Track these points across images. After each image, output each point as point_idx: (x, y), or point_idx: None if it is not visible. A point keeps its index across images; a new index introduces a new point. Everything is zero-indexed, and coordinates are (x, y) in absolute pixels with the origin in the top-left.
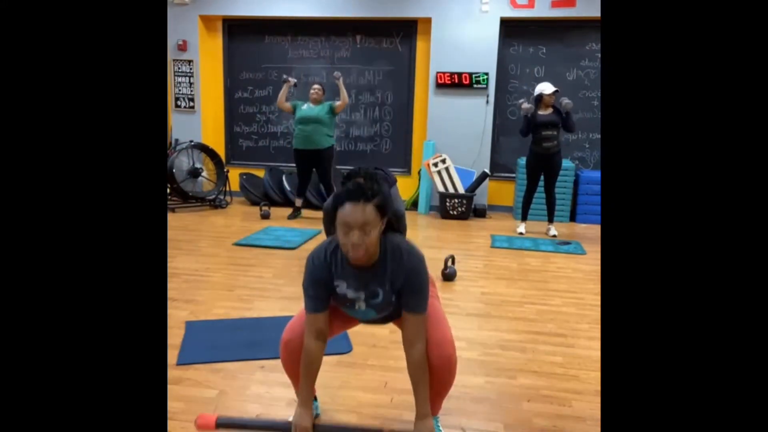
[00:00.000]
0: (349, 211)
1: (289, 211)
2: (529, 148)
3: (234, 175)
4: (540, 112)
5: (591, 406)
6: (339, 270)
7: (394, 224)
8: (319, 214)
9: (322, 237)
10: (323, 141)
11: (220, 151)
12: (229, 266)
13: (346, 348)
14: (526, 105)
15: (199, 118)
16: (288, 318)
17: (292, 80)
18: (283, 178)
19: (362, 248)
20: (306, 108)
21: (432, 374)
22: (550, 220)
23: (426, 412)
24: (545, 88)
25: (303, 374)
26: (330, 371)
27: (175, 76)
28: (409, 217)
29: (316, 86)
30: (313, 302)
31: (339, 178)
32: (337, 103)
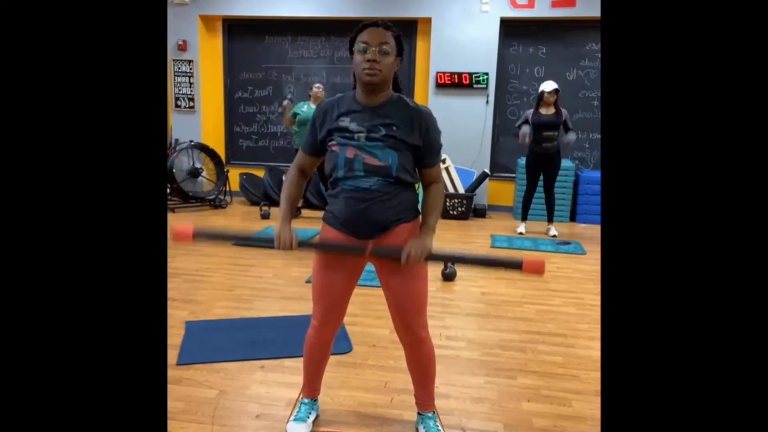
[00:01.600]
0: (370, 33)
1: None
2: (528, 147)
3: (234, 175)
4: (542, 111)
5: (591, 406)
6: (346, 105)
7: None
8: (319, 213)
9: None
10: None
11: (220, 151)
12: (229, 266)
13: (346, 348)
14: (525, 129)
15: (199, 118)
16: (288, 318)
17: (287, 101)
18: (283, 178)
19: (378, 66)
20: (306, 110)
21: (411, 359)
22: (550, 220)
23: (429, 229)
24: (547, 85)
25: (283, 197)
26: (330, 371)
27: (175, 76)
28: None
29: (318, 85)
30: (309, 143)
31: None
32: None
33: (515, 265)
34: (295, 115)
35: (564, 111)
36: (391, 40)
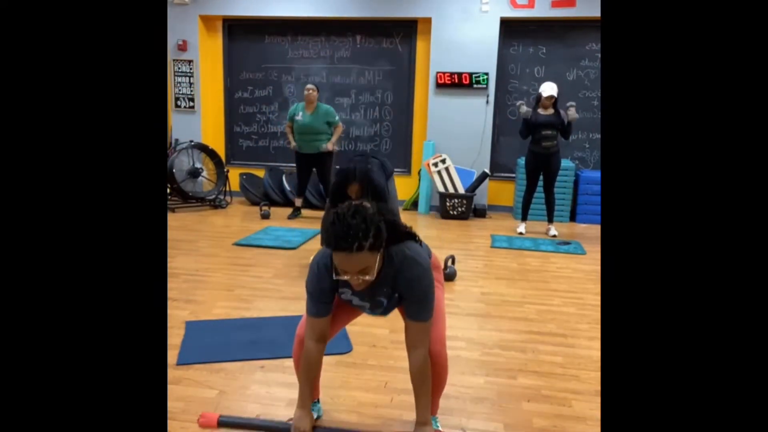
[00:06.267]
0: (342, 260)
1: (289, 211)
2: (527, 147)
3: (234, 175)
4: (540, 112)
5: (591, 406)
6: (343, 280)
7: (387, 216)
8: (319, 213)
9: None
10: (323, 145)
11: (220, 151)
12: (229, 266)
13: (346, 348)
14: (524, 108)
15: (199, 118)
16: (288, 318)
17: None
18: (283, 178)
19: (363, 285)
20: (301, 117)
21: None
22: (550, 220)
23: (425, 419)
24: (545, 89)
25: (303, 376)
26: (330, 371)
27: (175, 76)
28: (409, 216)
29: (309, 86)
30: (316, 307)
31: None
32: (332, 139)
33: None
34: (292, 120)
35: (563, 113)
36: (368, 259)
